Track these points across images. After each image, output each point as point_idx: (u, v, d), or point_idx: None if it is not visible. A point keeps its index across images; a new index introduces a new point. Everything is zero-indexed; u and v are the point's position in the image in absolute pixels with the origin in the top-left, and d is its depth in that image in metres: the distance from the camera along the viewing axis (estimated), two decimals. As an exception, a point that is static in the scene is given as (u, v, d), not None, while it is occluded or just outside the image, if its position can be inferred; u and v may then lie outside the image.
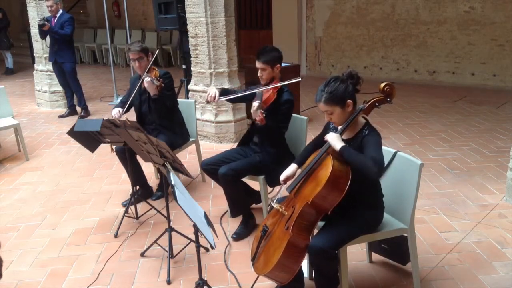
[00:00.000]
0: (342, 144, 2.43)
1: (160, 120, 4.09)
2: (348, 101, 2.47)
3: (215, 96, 3.50)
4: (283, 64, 6.49)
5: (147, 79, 3.82)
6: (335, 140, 2.45)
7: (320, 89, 2.51)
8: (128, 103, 4.08)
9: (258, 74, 3.46)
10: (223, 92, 3.64)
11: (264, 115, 3.23)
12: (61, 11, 6.84)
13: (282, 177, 2.80)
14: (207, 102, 3.61)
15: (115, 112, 4.00)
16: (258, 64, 3.43)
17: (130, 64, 8.30)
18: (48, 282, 3.13)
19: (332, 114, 2.51)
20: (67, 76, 7.06)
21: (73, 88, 7.19)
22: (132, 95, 4.03)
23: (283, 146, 3.55)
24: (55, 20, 6.77)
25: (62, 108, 7.66)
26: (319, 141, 2.83)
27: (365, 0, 9.23)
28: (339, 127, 2.59)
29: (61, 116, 7.27)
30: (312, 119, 6.37)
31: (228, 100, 3.75)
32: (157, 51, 4.64)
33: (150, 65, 3.99)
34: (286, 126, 3.51)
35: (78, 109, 7.35)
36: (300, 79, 3.74)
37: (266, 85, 3.44)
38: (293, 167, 2.83)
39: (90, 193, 4.50)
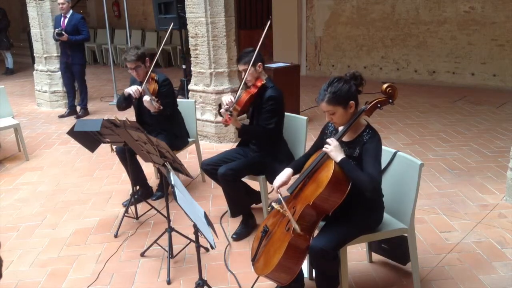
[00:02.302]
0: (342, 156, 2.41)
1: (160, 123, 4.08)
2: (351, 102, 2.46)
3: (232, 101, 3.45)
4: (282, 64, 6.52)
5: (146, 98, 3.78)
6: (334, 151, 2.42)
7: (323, 88, 2.48)
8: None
9: (242, 76, 3.46)
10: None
11: (229, 116, 3.28)
12: (71, 11, 6.85)
13: (277, 183, 2.71)
14: (226, 110, 3.48)
15: (134, 89, 3.87)
16: (240, 67, 3.46)
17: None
18: (48, 282, 3.13)
19: (334, 115, 2.48)
20: (75, 76, 7.10)
21: (79, 88, 7.23)
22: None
23: (281, 145, 3.55)
24: (66, 21, 6.79)
25: (62, 108, 7.66)
26: (312, 152, 2.76)
27: (365, 0, 9.22)
28: (339, 128, 2.59)
29: (61, 116, 7.28)
30: (312, 119, 6.37)
31: None
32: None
33: (149, 72, 3.92)
34: (273, 123, 3.42)
35: (78, 108, 7.35)
36: (269, 20, 3.56)
37: (249, 87, 3.46)
38: (287, 171, 2.75)
39: (90, 193, 4.50)
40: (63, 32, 6.63)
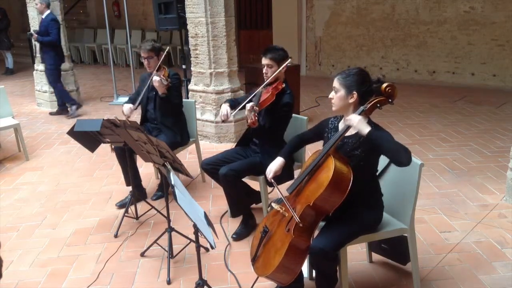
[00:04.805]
0: (369, 128, 2.36)
1: (163, 118, 4.10)
2: (354, 92, 2.48)
3: (227, 114, 3.46)
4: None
5: (156, 78, 3.84)
6: (361, 124, 2.37)
7: (345, 69, 2.58)
8: (139, 101, 4.09)
9: (264, 71, 3.41)
10: (231, 105, 3.59)
11: (256, 118, 3.24)
12: (47, 12, 6.85)
13: (271, 174, 2.79)
14: (223, 121, 3.54)
15: (127, 109, 4.02)
16: (265, 61, 3.39)
17: (131, 64, 8.35)
18: (48, 282, 3.13)
19: (336, 94, 2.53)
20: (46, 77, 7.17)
21: (53, 89, 7.24)
22: (142, 93, 4.05)
23: (281, 145, 3.54)
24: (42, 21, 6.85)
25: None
26: (308, 136, 2.88)
27: (365, 0, 9.23)
28: (339, 125, 2.59)
29: (52, 114, 7.35)
30: (312, 119, 6.37)
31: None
32: (167, 48, 4.49)
33: (159, 63, 4.01)
34: (284, 128, 3.52)
35: (74, 108, 7.32)
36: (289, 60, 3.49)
37: (269, 84, 3.41)
38: (279, 161, 2.84)
39: (90, 193, 4.49)
40: (33, 32, 6.76)
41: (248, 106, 3.23)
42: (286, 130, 3.58)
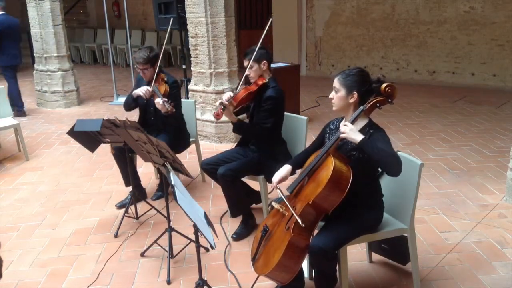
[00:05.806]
0: (362, 136, 2.36)
1: (163, 125, 4.07)
2: (354, 92, 2.48)
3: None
4: (282, 64, 6.50)
5: (159, 101, 3.75)
6: (353, 133, 2.37)
7: (345, 69, 2.57)
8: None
9: (246, 73, 3.46)
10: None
11: (222, 111, 3.32)
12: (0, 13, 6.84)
13: (276, 178, 2.71)
14: (221, 104, 3.47)
15: (145, 90, 3.87)
16: (245, 63, 3.47)
17: (131, 64, 8.35)
18: (48, 282, 3.13)
19: (336, 94, 2.53)
20: None
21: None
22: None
23: (280, 145, 3.55)
24: None
25: (62, 108, 7.69)
26: (313, 149, 2.77)
27: (365, 0, 9.23)
28: (341, 126, 2.59)
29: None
30: (312, 119, 6.37)
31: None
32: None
33: (156, 73, 3.92)
34: (269, 123, 3.41)
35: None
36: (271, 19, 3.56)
37: (253, 83, 3.47)
38: (286, 168, 2.76)
39: (90, 193, 4.50)
40: None
41: (218, 102, 3.33)
42: (283, 129, 3.58)
